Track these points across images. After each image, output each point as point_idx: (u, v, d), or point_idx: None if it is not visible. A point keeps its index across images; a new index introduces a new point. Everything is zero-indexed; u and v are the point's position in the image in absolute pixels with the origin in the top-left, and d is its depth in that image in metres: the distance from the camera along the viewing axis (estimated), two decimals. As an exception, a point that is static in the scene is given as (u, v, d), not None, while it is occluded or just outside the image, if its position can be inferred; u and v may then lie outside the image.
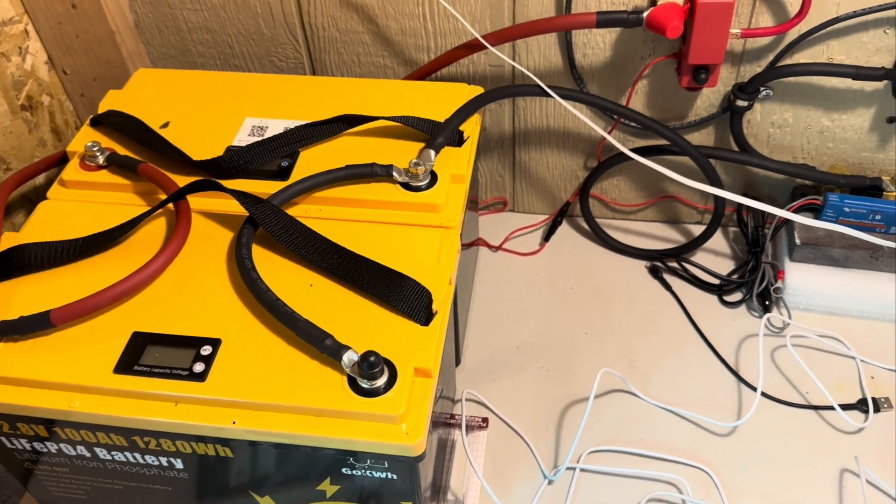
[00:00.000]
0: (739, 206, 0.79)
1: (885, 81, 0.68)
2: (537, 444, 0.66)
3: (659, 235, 0.83)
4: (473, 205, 0.78)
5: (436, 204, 0.57)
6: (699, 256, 0.81)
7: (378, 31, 0.73)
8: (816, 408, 0.68)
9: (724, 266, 0.79)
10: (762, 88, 0.69)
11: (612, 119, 0.75)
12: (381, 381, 0.46)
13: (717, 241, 0.82)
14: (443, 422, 0.64)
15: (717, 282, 0.78)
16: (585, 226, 0.83)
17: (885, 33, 0.66)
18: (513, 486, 0.64)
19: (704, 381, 0.71)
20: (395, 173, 0.58)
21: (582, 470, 0.65)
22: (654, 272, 0.80)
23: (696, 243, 0.79)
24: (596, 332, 0.75)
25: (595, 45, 0.70)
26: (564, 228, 0.85)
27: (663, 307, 0.77)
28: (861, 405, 0.67)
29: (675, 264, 0.80)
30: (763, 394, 0.68)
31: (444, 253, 0.55)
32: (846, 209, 0.72)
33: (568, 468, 0.64)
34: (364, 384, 0.45)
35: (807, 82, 0.70)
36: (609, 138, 0.62)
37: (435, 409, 0.59)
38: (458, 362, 0.72)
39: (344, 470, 0.49)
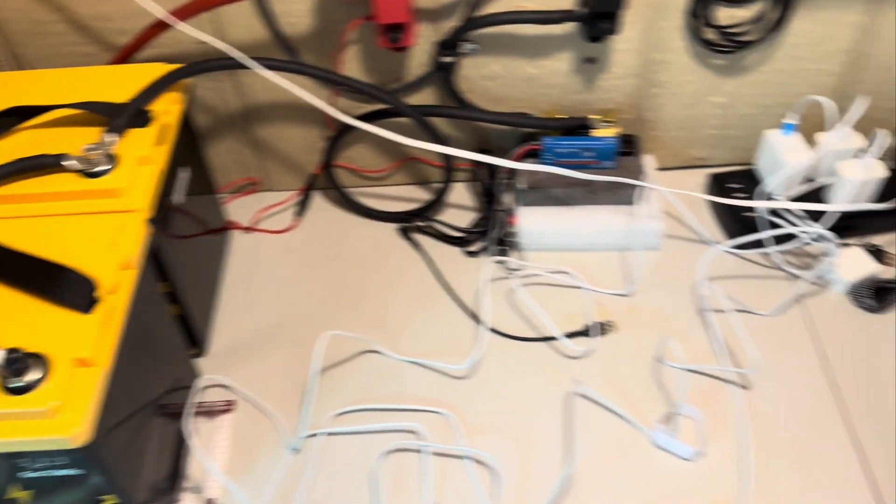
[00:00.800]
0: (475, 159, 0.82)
1: (577, 24, 0.72)
2: (287, 418, 0.67)
3: (410, 197, 0.85)
4: (206, 188, 0.76)
5: (116, 189, 0.55)
6: (448, 213, 0.83)
7: (72, 18, 0.69)
8: (548, 339, 0.71)
9: (469, 219, 0.82)
10: (464, 43, 0.72)
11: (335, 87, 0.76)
12: (30, 377, 0.44)
13: (463, 196, 0.85)
14: (178, 411, 0.63)
15: (460, 235, 0.80)
16: (337, 196, 0.84)
17: (568, -21, 0.69)
18: (259, 462, 0.64)
19: (450, 330, 0.73)
20: (68, 161, 0.55)
21: (329, 434, 0.65)
22: (405, 233, 0.81)
23: (436, 202, 0.81)
24: (350, 300, 0.76)
25: (296, 14, 0.70)
26: (318, 201, 0.85)
27: (414, 266, 0.79)
28: (588, 331, 0.71)
29: (422, 223, 0.82)
30: (501, 333, 0.71)
31: (125, 238, 0.53)
32: (560, 150, 0.76)
33: (312, 435, 0.65)
34: (11, 383, 0.44)
35: (508, 33, 0.73)
36: (323, 107, 0.63)
37: (167, 399, 0.58)
38: (202, 349, 0.71)
39: (23, 474, 0.47)
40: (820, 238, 0.71)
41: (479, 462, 0.63)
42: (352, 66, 0.75)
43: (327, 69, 0.70)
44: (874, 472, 0.61)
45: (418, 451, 0.64)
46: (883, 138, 0.70)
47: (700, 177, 0.84)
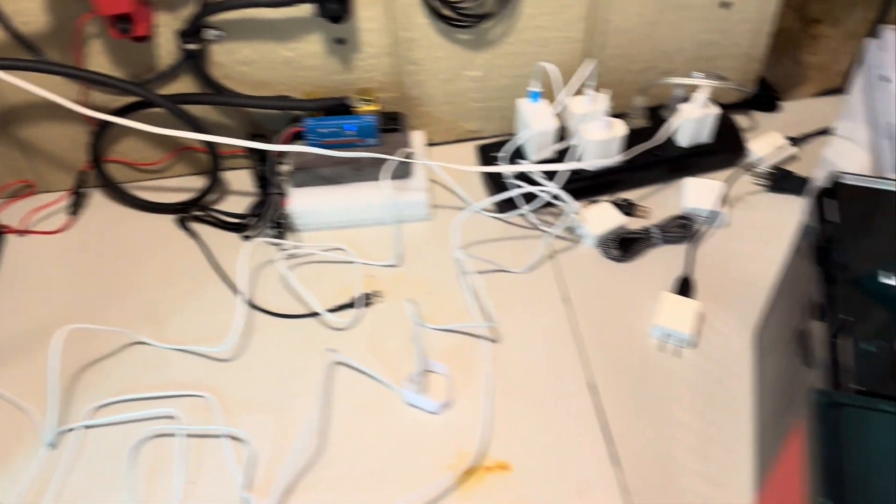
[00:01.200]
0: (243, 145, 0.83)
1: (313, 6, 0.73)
2: (47, 415, 0.66)
3: (190, 188, 0.85)
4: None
5: None
6: (229, 200, 0.84)
7: None
8: (315, 315, 0.73)
9: (249, 204, 0.83)
10: (207, 29, 0.72)
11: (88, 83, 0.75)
12: None
13: (244, 181, 0.86)
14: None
15: (237, 221, 0.81)
16: (114, 192, 0.83)
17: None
18: (14, 461, 0.64)
19: (222, 315, 0.73)
20: None
21: (86, 427, 0.66)
22: (182, 223, 0.82)
23: (209, 190, 0.82)
24: (122, 294, 0.76)
25: (29, 13, 0.70)
26: (97, 198, 0.85)
27: (190, 255, 0.79)
28: (355, 302, 0.74)
29: (200, 212, 0.82)
30: (263, 310, 0.73)
31: None
32: (321, 130, 0.78)
33: (69, 430, 0.65)
34: None
35: (253, 18, 0.74)
36: (64, 102, 0.62)
37: None
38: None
39: None
40: (557, 196, 0.75)
41: (236, 439, 0.65)
42: (101, 59, 0.74)
43: (65, 64, 0.70)
44: (606, 412, 0.65)
45: (174, 435, 0.65)
46: (606, 99, 0.75)
47: (472, 148, 0.87)
